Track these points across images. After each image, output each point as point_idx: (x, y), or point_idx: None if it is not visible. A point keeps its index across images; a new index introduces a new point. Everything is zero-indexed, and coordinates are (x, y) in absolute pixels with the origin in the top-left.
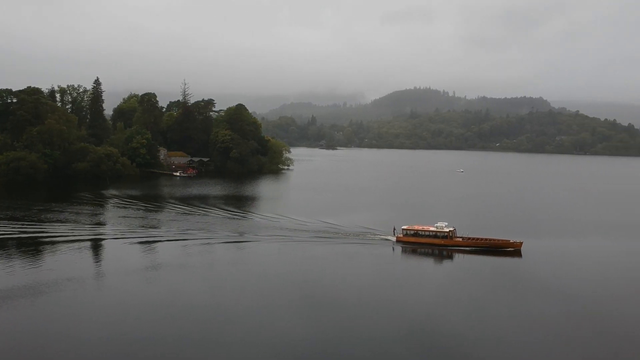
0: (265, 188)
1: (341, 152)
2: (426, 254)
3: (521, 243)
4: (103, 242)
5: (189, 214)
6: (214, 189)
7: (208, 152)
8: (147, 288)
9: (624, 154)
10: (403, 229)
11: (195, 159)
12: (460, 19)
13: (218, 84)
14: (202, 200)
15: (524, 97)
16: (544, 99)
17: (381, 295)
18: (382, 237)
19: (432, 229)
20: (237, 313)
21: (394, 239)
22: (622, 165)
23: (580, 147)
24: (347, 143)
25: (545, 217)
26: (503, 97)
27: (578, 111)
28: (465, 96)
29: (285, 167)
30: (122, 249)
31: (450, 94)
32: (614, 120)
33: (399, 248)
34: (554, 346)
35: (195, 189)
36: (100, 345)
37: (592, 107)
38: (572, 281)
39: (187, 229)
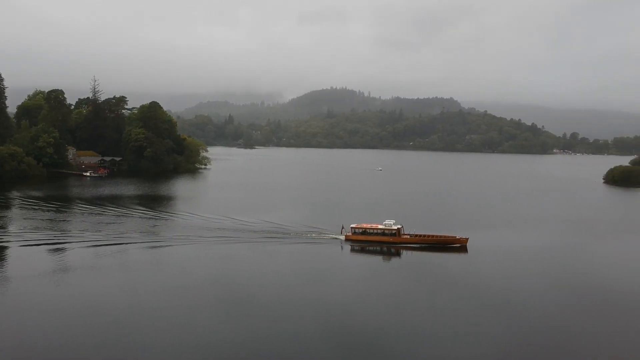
0: (185, 187)
1: (259, 152)
2: (374, 252)
3: (467, 239)
4: (4, 246)
5: (99, 214)
6: (128, 189)
7: (120, 151)
8: (56, 292)
9: (528, 152)
10: (352, 228)
11: (107, 159)
12: (374, 21)
13: (131, 81)
14: (115, 201)
15: (436, 97)
16: (455, 99)
17: (312, 293)
18: (332, 236)
19: (380, 227)
20: (155, 315)
21: (343, 237)
22: (527, 162)
23: (489, 146)
24: (265, 142)
25: (472, 212)
26: (416, 98)
27: (486, 111)
28: (380, 96)
29: (203, 166)
30: (26, 253)
31: (366, 94)
32: (519, 120)
33: (347, 246)
34: (477, 340)
35: (107, 189)
36: (5, 355)
37: (499, 108)
38: (508, 276)
39: (99, 231)
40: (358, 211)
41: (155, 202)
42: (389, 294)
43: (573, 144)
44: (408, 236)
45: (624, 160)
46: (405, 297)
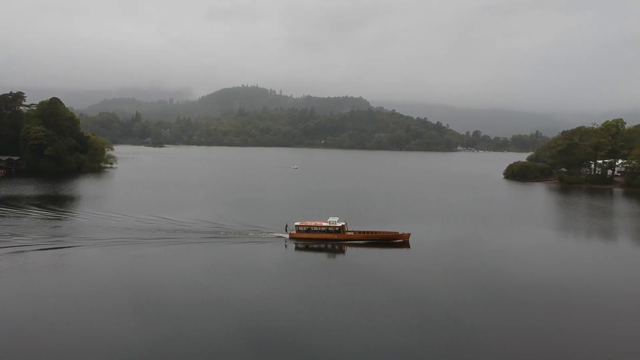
0: (90, 186)
1: (169, 150)
2: (318, 250)
3: (409, 234)
4: None
5: None
6: (27, 189)
7: (18, 150)
8: None
9: (434, 149)
10: (296, 225)
11: (4, 158)
12: (284, 19)
13: (29, 76)
14: (12, 202)
15: (346, 96)
16: (364, 98)
17: (237, 293)
18: (276, 234)
19: (324, 224)
20: (58, 320)
21: (287, 235)
22: (433, 159)
23: (397, 144)
24: (175, 140)
25: (390, 208)
26: (327, 97)
27: (394, 110)
28: (291, 95)
29: (109, 165)
30: None
31: (278, 93)
32: (425, 118)
33: (292, 245)
34: (388, 334)
35: (4, 190)
36: None
37: (406, 107)
38: (421, 270)
39: None
40: (285, 209)
41: (58, 203)
42: (315, 292)
43: (476, 142)
44: (352, 233)
45: (522, 157)
46: (330, 294)
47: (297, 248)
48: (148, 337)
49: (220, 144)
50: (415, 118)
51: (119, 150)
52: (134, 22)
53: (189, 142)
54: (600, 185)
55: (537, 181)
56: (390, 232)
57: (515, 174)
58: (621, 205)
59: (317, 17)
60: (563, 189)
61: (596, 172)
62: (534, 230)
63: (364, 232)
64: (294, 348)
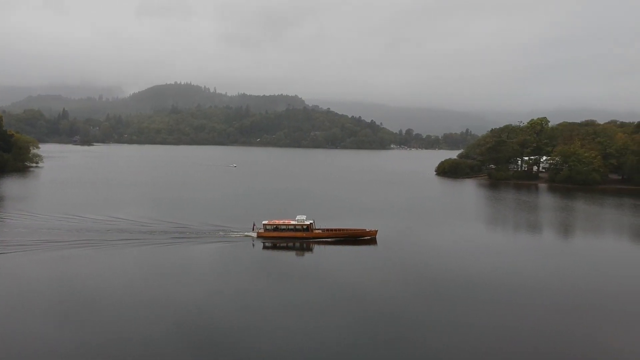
0: (16, 186)
1: (99, 148)
2: (285, 248)
3: (376, 231)
4: None
5: None
6: None
7: None
8: None
9: (368, 147)
10: (264, 224)
11: None
12: (218, 16)
13: None
14: None
15: (281, 94)
16: (299, 97)
17: (174, 294)
18: (244, 233)
19: (293, 222)
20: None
21: (255, 234)
22: (368, 157)
23: (332, 142)
24: (105, 139)
25: (335, 204)
26: (262, 95)
27: (329, 109)
28: (226, 93)
29: (34, 165)
30: None
31: (212, 90)
32: (360, 117)
33: (259, 244)
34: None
35: None
36: None
37: (341, 105)
38: (356, 268)
39: None
40: (235, 208)
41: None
42: (259, 291)
43: (408, 140)
44: (320, 231)
45: (453, 154)
46: (276, 293)
47: (264, 247)
48: (81, 340)
49: (152, 142)
50: (350, 116)
51: (45, 149)
52: (61, 16)
53: (119, 141)
54: (526, 181)
55: (468, 177)
56: (358, 230)
57: (447, 170)
58: (546, 199)
59: (252, 14)
60: (492, 184)
61: (523, 168)
62: (466, 225)
63: (331, 229)
64: (231, 348)
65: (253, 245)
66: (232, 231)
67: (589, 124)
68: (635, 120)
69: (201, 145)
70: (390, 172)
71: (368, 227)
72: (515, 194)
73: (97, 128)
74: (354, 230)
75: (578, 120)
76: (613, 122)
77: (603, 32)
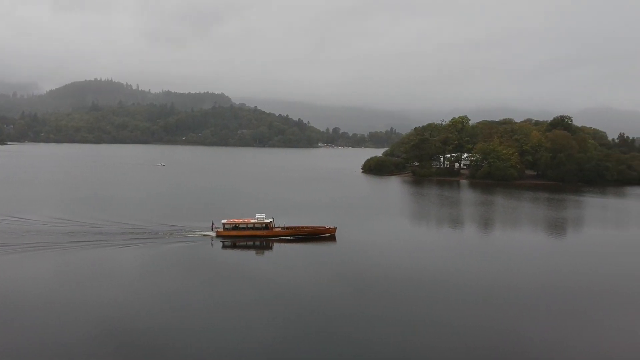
0: None
1: (13, 148)
2: (244, 247)
3: (335, 228)
4: None
5: None
6: None
7: None
8: None
9: (296, 146)
10: (223, 223)
11: None
12: (140, 12)
13: None
14: None
15: (207, 92)
16: (226, 94)
17: (103, 297)
18: (202, 233)
19: (252, 221)
20: None
21: (214, 234)
22: (296, 155)
23: (260, 140)
24: (20, 137)
25: (277, 202)
26: (187, 92)
27: (256, 107)
28: (149, 90)
29: None
30: None
31: (134, 87)
32: (287, 115)
33: (218, 243)
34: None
35: None
36: None
37: (268, 104)
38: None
39: None
40: (179, 208)
41: None
42: (191, 292)
43: (335, 138)
44: (280, 229)
45: (378, 152)
46: (215, 293)
47: (223, 246)
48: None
49: (72, 140)
50: (277, 115)
51: None
52: None
53: (35, 139)
54: (448, 178)
55: (393, 175)
56: (317, 227)
57: (373, 168)
58: (467, 195)
59: (176, 10)
60: (416, 181)
61: (445, 165)
62: (391, 220)
63: (291, 227)
64: (157, 351)
65: (212, 244)
66: (190, 231)
67: (507, 122)
68: (549, 119)
69: (124, 143)
70: (319, 170)
71: (327, 225)
72: (438, 190)
73: (11, 126)
74: (314, 228)
75: (497, 119)
76: (528, 121)
77: (518, 35)
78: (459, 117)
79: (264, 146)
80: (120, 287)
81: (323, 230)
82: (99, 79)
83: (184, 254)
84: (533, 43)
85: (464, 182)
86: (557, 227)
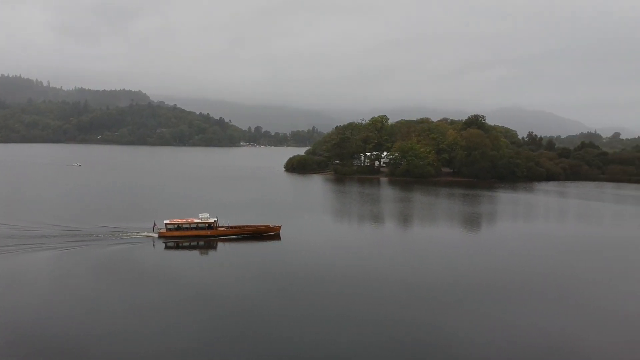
0: None
1: None
2: (188, 247)
3: (280, 227)
4: None
5: None
6: None
7: None
8: None
9: (217, 145)
10: (165, 224)
11: None
12: (50, 6)
13: None
14: None
15: (124, 89)
16: (143, 92)
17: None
18: (144, 234)
19: (196, 220)
20: None
21: (156, 234)
22: (218, 154)
23: (180, 139)
24: None
25: (205, 200)
26: (102, 89)
27: (176, 105)
28: (61, 87)
29: None
30: None
31: (45, 84)
32: (208, 114)
33: (161, 244)
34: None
35: None
36: None
37: (188, 102)
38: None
39: None
40: (112, 209)
41: None
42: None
43: (257, 137)
44: (224, 228)
45: (301, 151)
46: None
47: (166, 247)
48: None
49: None
50: (198, 113)
51: None
52: None
53: None
54: (369, 175)
55: (315, 173)
56: (262, 226)
57: (295, 167)
58: (386, 192)
59: (89, 4)
60: (338, 179)
61: (365, 163)
62: (315, 217)
63: (236, 226)
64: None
65: (154, 246)
66: (131, 232)
67: (424, 121)
68: (463, 118)
69: (34, 143)
70: (242, 169)
71: (272, 223)
72: (359, 188)
73: None
74: (258, 226)
75: (414, 118)
76: (444, 120)
77: (434, 37)
78: (379, 116)
79: (184, 145)
80: (42, 292)
81: (268, 228)
82: (5, 75)
83: (119, 256)
84: (448, 45)
85: (383, 179)
86: (472, 222)
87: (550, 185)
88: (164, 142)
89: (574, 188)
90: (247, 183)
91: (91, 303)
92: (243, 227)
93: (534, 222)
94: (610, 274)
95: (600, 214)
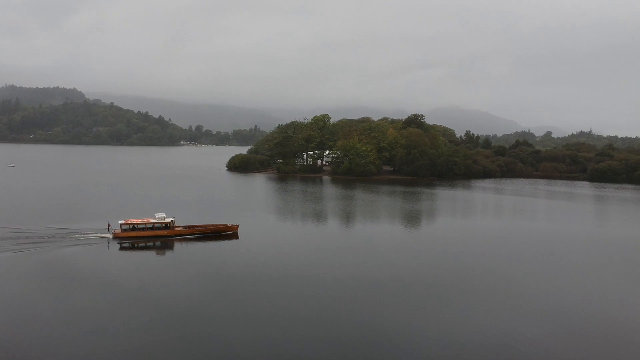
0: None
1: None
2: (144, 248)
3: (237, 226)
4: None
5: None
6: None
7: None
8: None
9: (157, 144)
10: (120, 224)
11: None
12: None
13: None
14: None
15: (57, 87)
16: (78, 90)
17: None
18: (98, 235)
19: (152, 221)
20: None
21: (111, 235)
22: (157, 154)
23: (117, 138)
24: None
25: (147, 200)
26: (34, 87)
27: (113, 103)
28: None
29: None
30: None
31: None
32: (147, 112)
33: (116, 245)
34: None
35: None
36: None
37: (126, 100)
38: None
39: None
40: (61, 210)
41: None
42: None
43: (198, 136)
44: (181, 228)
45: (243, 150)
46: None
47: (121, 248)
48: None
49: None
50: (136, 112)
51: None
52: None
53: None
54: (312, 174)
55: (258, 172)
56: (220, 225)
57: (238, 166)
58: (329, 190)
59: (19, 1)
60: (281, 178)
61: (308, 162)
62: (259, 216)
63: (193, 226)
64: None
65: (108, 247)
66: (85, 233)
67: (365, 120)
68: (403, 117)
69: None
70: (183, 168)
71: (229, 222)
72: (302, 186)
73: None
74: (216, 225)
75: (356, 117)
76: (385, 119)
77: (374, 37)
78: (321, 115)
79: (122, 144)
80: None
81: (226, 227)
82: None
83: (71, 258)
84: (388, 46)
85: (326, 178)
86: (412, 218)
87: (487, 182)
88: (100, 141)
89: (509, 185)
90: (190, 182)
91: (28, 308)
92: (200, 226)
93: (471, 218)
94: (543, 267)
95: (534, 209)
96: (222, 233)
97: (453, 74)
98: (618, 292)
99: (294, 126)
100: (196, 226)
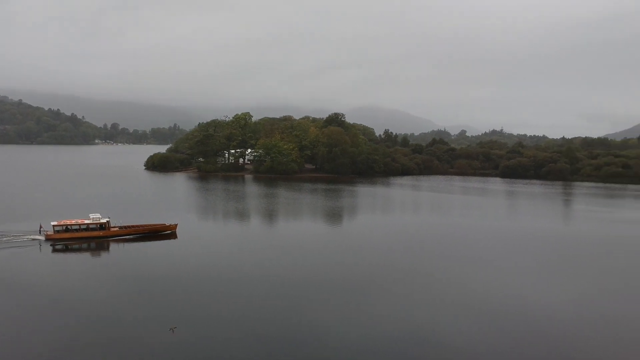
0: None
1: None
2: (78, 250)
3: (176, 225)
4: None
5: None
6: None
7: None
8: None
9: (69, 143)
10: (53, 225)
11: None
12: None
13: None
14: None
15: None
16: None
17: None
18: (29, 237)
19: (86, 221)
20: None
21: (43, 237)
22: (70, 153)
23: (27, 137)
24: None
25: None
26: None
27: (21, 100)
28: None
29: None
30: None
31: None
32: (58, 110)
33: (48, 247)
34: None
35: None
36: None
37: (36, 97)
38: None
39: None
40: None
41: None
42: None
43: (114, 134)
44: (117, 228)
45: (162, 149)
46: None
47: (54, 250)
48: None
49: None
50: (46, 109)
51: None
52: None
53: None
54: (233, 173)
55: (178, 171)
56: (158, 225)
57: (156, 164)
58: (251, 189)
59: None
60: (202, 177)
61: (230, 160)
62: (179, 215)
63: (130, 226)
64: None
65: (40, 249)
66: (14, 235)
67: (287, 119)
68: (324, 116)
69: None
70: (99, 167)
71: (168, 222)
72: (224, 185)
73: None
74: (154, 225)
75: (278, 116)
76: (307, 118)
77: (294, 37)
78: (242, 113)
79: (31, 143)
80: None
81: (164, 227)
82: None
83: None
84: (308, 46)
85: (248, 176)
86: (334, 215)
87: (405, 180)
88: (7, 140)
89: (426, 182)
90: (108, 182)
91: None
92: (138, 226)
93: (391, 215)
94: (460, 262)
95: (450, 205)
96: (160, 233)
97: (373, 75)
98: (532, 282)
99: (215, 124)
100: (133, 226)
